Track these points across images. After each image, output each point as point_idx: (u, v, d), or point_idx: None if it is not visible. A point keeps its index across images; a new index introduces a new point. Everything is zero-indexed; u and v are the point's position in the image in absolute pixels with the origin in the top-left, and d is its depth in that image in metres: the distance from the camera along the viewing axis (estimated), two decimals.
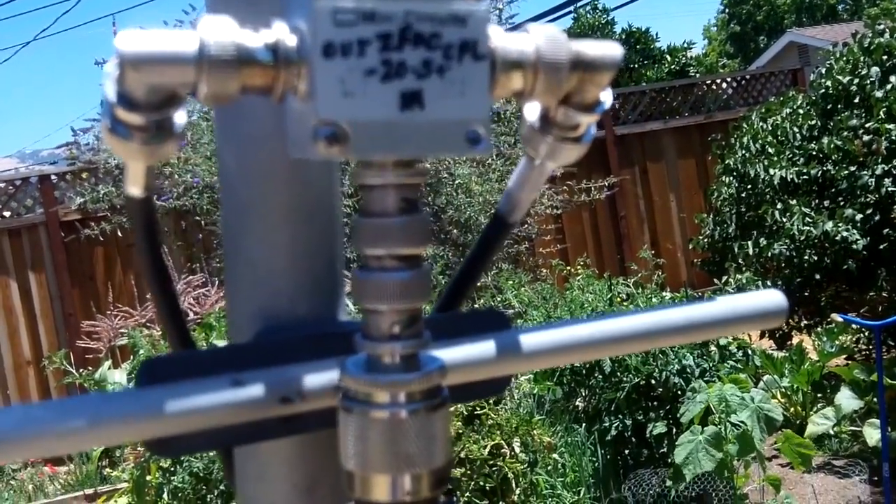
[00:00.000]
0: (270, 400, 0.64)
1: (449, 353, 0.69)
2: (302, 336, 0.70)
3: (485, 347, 0.72)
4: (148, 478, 5.03)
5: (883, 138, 6.92)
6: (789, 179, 7.40)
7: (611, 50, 0.64)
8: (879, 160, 6.92)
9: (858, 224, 6.88)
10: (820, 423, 6.58)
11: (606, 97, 0.66)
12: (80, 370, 7.17)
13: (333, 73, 0.55)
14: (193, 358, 0.65)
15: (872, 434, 5.95)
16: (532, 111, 0.71)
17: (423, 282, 0.61)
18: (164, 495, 4.96)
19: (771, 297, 0.81)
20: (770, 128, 8.03)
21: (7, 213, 9.74)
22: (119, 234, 9.19)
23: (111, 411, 0.60)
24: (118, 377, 6.34)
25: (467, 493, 4.78)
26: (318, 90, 0.55)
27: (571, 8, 24.53)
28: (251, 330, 0.72)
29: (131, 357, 6.10)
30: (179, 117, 0.59)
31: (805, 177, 7.37)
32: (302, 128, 0.57)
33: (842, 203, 7.13)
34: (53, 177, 9.89)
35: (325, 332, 0.70)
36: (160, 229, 0.73)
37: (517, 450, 5.15)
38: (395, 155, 0.58)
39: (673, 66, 25.03)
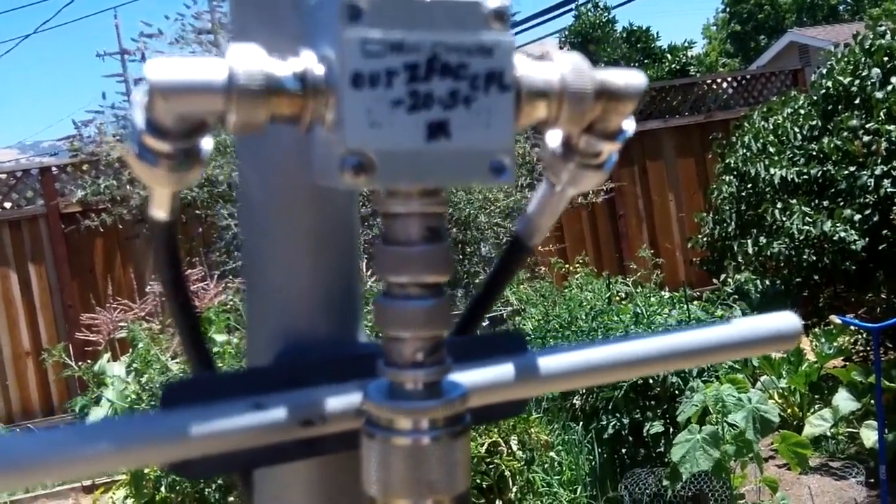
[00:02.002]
0: (292, 423, 0.64)
1: (468, 377, 0.70)
2: (322, 359, 0.70)
3: (503, 371, 0.72)
4: (146, 470, 5.03)
5: (883, 139, 6.93)
6: (789, 179, 7.41)
7: (635, 79, 0.64)
8: (879, 161, 6.92)
9: (857, 225, 6.88)
10: (817, 424, 6.59)
11: (629, 125, 0.67)
12: (80, 363, 7.17)
13: (361, 103, 0.55)
14: (215, 381, 0.66)
15: (870, 436, 5.96)
16: (554, 138, 0.71)
17: (445, 309, 0.61)
18: (162, 488, 4.97)
19: (785, 320, 0.82)
20: (771, 127, 8.04)
21: (8, 205, 9.74)
22: (119, 226, 9.19)
23: (136, 435, 0.60)
24: (117, 370, 6.32)
25: None
26: (346, 120, 0.55)
27: (572, 6, 24.52)
28: (271, 352, 0.72)
29: (130, 350, 6.10)
30: (206, 144, 0.59)
31: (805, 176, 7.38)
32: (328, 156, 0.58)
33: (841, 203, 7.14)
34: (54, 169, 9.88)
35: (346, 355, 0.71)
36: (181, 251, 0.73)
37: (514, 447, 5.16)
38: (420, 184, 0.59)
39: (673, 65, 25.06)
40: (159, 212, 0.67)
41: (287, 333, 0.72)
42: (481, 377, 0.71)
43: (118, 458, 0.59)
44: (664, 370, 0.77)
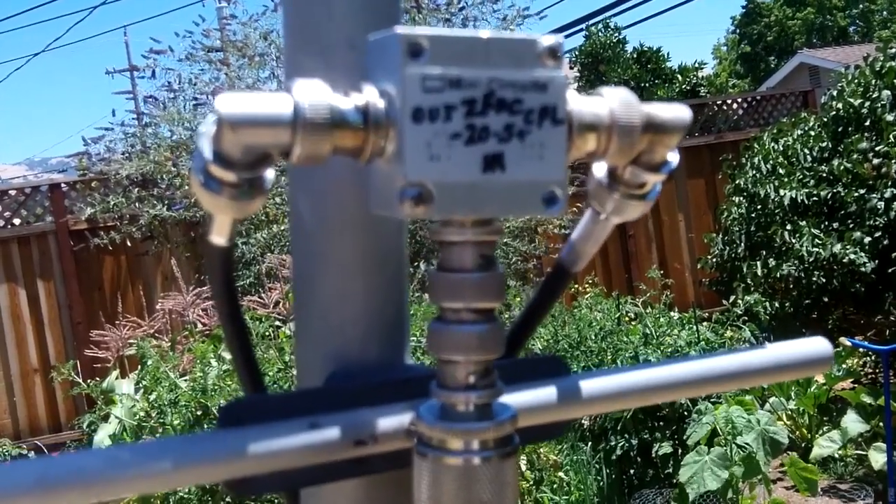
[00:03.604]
0: (345, 443, 0.66)
1: (512, 398, 0.71)
2: (372, 381, 0.72)
3: (546, 393, 0.74)
4: None
5: (893, 162, 6.94)
6: (799, 201, 7.41)
7: (681, 112, 0.66)
8: (889, 184, 6.93)
9: (867, 247, 6.89)
10: (825, 445, 6.57)
11: (673, 157, 0.69)
12: (88, 380, 7.18)
13: (421, 137, 0.57)
14: (270, 401, 0.68)
15: (878, 458, 5.95)
16: (600, 168, 0.73)
17: (497, 334, 0.63)
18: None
19: (818, 345, 0.84)
20: (781, 149, 8.05)
21: (17, 221, 9.74)
22: (128, 244, 9.21)
23: (196, 453, 0.62)
24: (126, 388, 6.33)
25: None
26: (406, 153, 0.57)
27: (583, 26, 24.54)
28: (322, 374, 0.74)
29: (139, 367, 6.10)
30: (269, 175, 0.62)
31: (815, 198, 7.39)
32: (387, 187, 0.60)
33: (851, 225, 7.14)
34: (64, 185, 9.89)
35: (395, 377, 0.73)
36: (235, 277, 0.75)
37: (523, 468, 5.17)
38: (476, 215, 0.61)
39: (684, 86, 25.03)
40: (218, 238, 0.69)
41: (337, 355, 0.75)
42: (525, 399, 0.73)
43: (179, 475, 0.61)
44: (701, 393, 0.79)
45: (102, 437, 5.78)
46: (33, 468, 0.58)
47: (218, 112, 0.55)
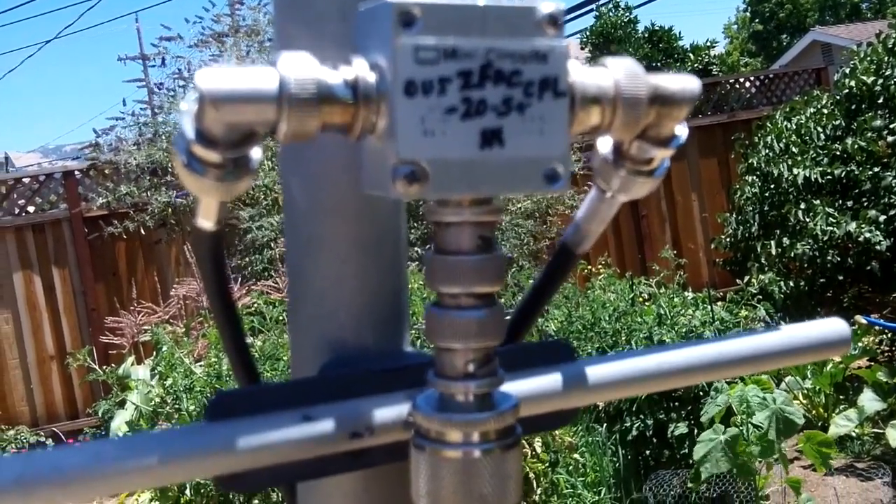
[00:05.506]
0: (341, 435, 0.63)
1: (515, 386, 0.69)
2: (369, 369, 0.69)
3: (551, 380, 0.71)
4: None
5: None
6: (813, 179, 7.36)
7: (689, 83, 0.63)
8: None
9: (882, 225, 6.84)
10: (842, 424, 6.54)
11: (682, 131, 0.65)
12: (104, 366, 7.19)
13: (414, 112, 0.54)
14: (261, 392, 0.65)
15: (895, 435, 5.92)
16: (605, 144, 0.70)
17: (498, 320, 0.60)
18: (187, 491, 4.97)
19: (834, 327, 0.80)
20: (794, 127, 7.99)
21: (31, 209, 9.76)
22: (142, 231, 9.20)
23: (183, 448, 0.60)
24: (141, 373, 6.34)
25: None
26: (398, 129, 0.54)
27: (593, 6, 24.43)
28: (316, 363, 0.71)
29: (154, 353, 6.11)
30: (256, 154, 0.58)
31: (829, 177, 7.33)
32: (379, 165, 0.57)
33: (865, 204, 7.10)
34: (77, 173, 9.90)
35: (392, 366, 0.70)
36: (226, 262, 0.72)
37: (538, 449, 5.15)
38: (473, 193, 0.57)
39: (696, 65, 24.90)
40: (206, 222, 0.66)
41: (333, 343, 0.72)
42: (529, 387, 0.70)
43: (166, 471, 0.59)
44: (714, 378, 0.76)
45: (119, 423, 5.80)
46: (12, 466, 0.55)
47: (199, 88, 0.52)
